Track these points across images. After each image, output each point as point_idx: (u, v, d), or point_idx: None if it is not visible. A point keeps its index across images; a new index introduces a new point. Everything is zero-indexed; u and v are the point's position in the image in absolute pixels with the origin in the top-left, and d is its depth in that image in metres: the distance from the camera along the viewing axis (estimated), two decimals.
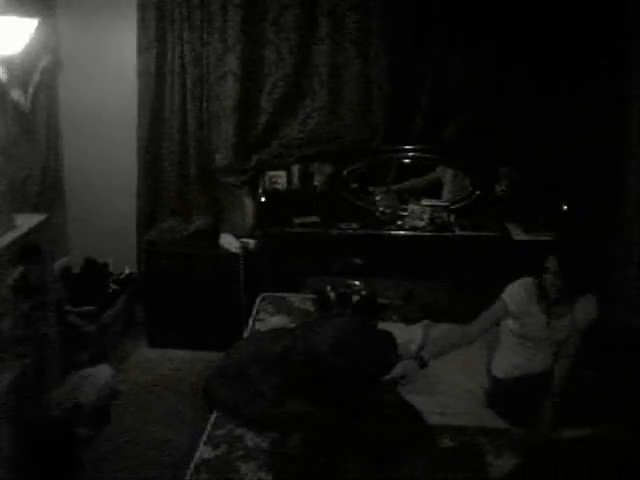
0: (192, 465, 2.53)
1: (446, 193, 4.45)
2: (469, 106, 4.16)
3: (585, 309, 2.86)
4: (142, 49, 4.21)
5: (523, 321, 2.91)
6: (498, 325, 3.05)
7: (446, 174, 4.45)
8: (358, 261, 4.12)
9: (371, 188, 4.44)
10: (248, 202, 4.52)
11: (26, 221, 3.25)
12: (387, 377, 2.93)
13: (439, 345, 3.07)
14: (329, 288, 3.83)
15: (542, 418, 2.75)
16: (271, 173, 4.37)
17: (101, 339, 4.06)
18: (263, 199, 4.36)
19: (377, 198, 4.34)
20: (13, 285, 3.10)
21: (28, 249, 3.21)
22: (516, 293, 2.93)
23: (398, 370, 2.94)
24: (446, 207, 4.30)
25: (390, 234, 4.22)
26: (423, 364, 2.96)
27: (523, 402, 2.81)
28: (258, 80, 4.22)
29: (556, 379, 2.83)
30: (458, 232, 4.18)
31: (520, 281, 2.97)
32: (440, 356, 3.04)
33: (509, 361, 2.97)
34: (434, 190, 4.45)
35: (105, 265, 4.45)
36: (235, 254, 4.22)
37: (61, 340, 3.65)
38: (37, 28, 3.30)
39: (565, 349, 2.88)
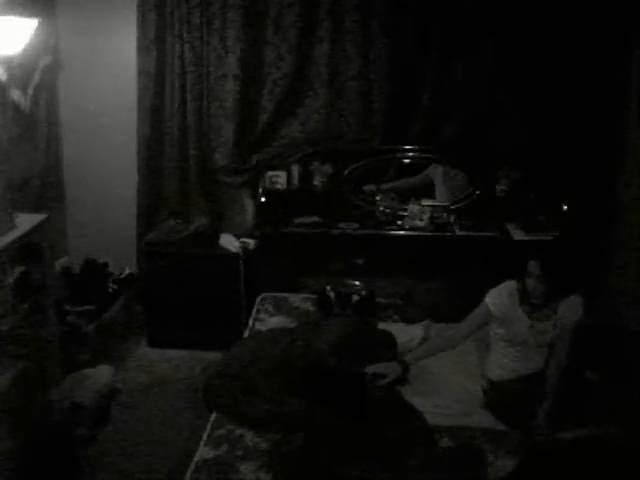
0: (192, 465, 2.53)
1: (438, 192, 4.44)
2: (469, 106, 4.16)
3: (570, 309, 2.85)
4: (142, 49, 4.21)
5: (507, 325, 2.91)
6: (482, 329, 3.05)
7: (437, 174, 4.44)
8: (358, 261, 4.12)
9: (366, 187, 4.44)
10: (248, 202, 4.52)
11: (26, 221, 3.25)
12: (368, 371, 2.92)
13: (422, 350, 3.08)
14: (329, 288, 3.83)
15: (536, 420, 2.74)
16: (271, 173, 4.36)
17: (101, 339, 4.06)
18: (263, 199, 4.36)
19: (377, 198, 4.34)
20: (13, 285, 3.10)
21: (28, 249, 3.21)
22: (498, 297, 2.92)
23: (379, 368, 2.93)
24: (446, 207, 4.29)
25: (390, 234, 4.22)
26: (405, 368, 2.96)
27: (517, 404, 2.81)
28: (258, 80, 4.22)
29: (548, 381, 2.83)
30: (458, 232, 4.18)
31: (502, 285, 2.96)
32: (422, 360, 3.04)
33: (500, 364, 2.97)
34: (425, 190, 4.43)
35: (105, 265, 4.45)
36: (235, 254, 4.22)
37: (61, 340, 3.65)
38: (37, 28, 3.30)
39: (555, 351, 2.88)
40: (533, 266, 2.79)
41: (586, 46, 3.90)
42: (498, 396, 2.91)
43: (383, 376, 2.92)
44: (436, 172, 4.44)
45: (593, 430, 2.42)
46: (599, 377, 2.88)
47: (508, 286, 2.94)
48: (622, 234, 3.97)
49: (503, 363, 2.96)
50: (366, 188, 4.43)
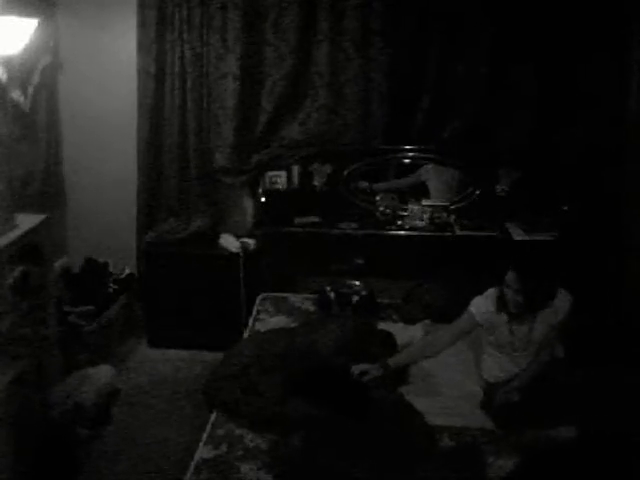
0: (192, 465, 2.53)
1: (433, 192, 4.43)
2: (469, 106, 4.16)
3: (554, 310, 2.90)
4: (142, 49, 4.21)
5: (493, 331, 2.94)
6: (467, 336, 3.08)
7: (430, 174, 4.43)
8: (358, 261, 4.12)
9: (360, 184, 4.43)
10: (248, 202, 4.52)
11: (26, 221, 3.25)
12: (353, 370, 2.92)
13: (403, 355, 3.08)
14: (329, 288, 3.83)
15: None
16: (271, 173, 4.37)
17: (101, 339, 4.06)
18: (263, 199, 4.36)
19: (377, 198, 4.34)
20: (13, 285, 3.10)
21: (28, 249, 3.21)
22: (483, 305, 2.95)
23: (360, 367, 2.92)
24: (446, 207, 4.29)
25: (390, 234, 4.22)
26: (387, 370, 2.95)
27: (512, 404, 2.82)
28: (258, 80, 4.22)
29: (520, 375, 2.86)
30: (458, 232, 4.18)
31: (486, 293, 2.99)
32: (405, 365, 3.05)
33: (494, 366, 3.00)
34: (416, 191, 4.42)
35: (105, 265, 4.45)
36: (235, 254, 4.22)
37: (61, 340, 3.65)
38: (37, 28, 3.29)
39: (543, 348, 2.93)
40: (511, 278, 2.82)
41: (585, 44, 3.90)
42: (491, 397, 2.92)
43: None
44: (429, 172, 4.43)
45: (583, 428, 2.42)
46: (595, 375, 2.88)
47: (492, 294, 2.96)
48: (622, 233, 3.96)
49: (495, 366, 2.99)
50: (360, 185, 4.43)
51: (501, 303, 2.90)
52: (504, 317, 2.90)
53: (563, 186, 4.13)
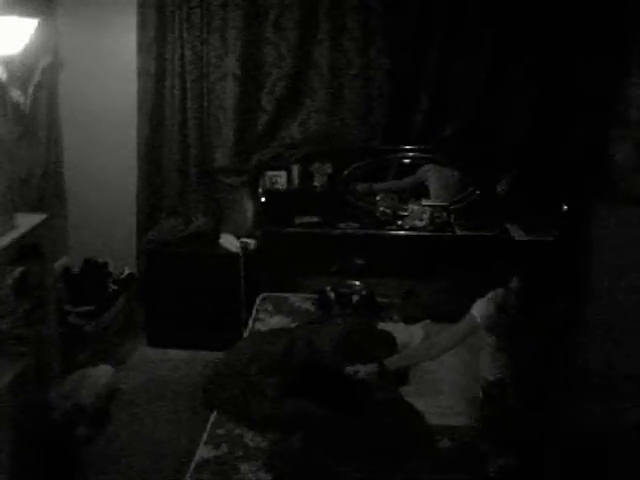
0: (192, 465, 2.53)
1: (433, 193, 4.42)
2: (470, 106, 4.16)
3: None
4: (142, 49, 4.21)
5: (495, 334, 2.93)
6: (467, 339, 3.07)
7: (430, 175, 4.43)
8: (358, 261, 4.13)
9: (359, 186, 4.43)
10: (248, 202, 4.52)
11: (26, 221, 3.25)
12: (348, 370, 2.92)
13: (402, 356, 3.08)
14: (329, 288, 3.83)
15: None
16: (271, 173, 4.37)
17: (101, 339, 4.06)
18: (263, 199, 4.36)
19: (377, 198, 4.34)
20: (13, 285, 3.10)
21: (28, 249, 3.21)
22: (485, 308, 2.94)
23: (356, 367, 2.93)
24: (446, 207, 4.29)
25: (390, 234, 4.22)
26: (383, 370, 2.95)
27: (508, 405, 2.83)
28: (258, 80, 4.23)
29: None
30: (458, 232, 4.18)
31: (488, 296, 2.98)
32: (403, 366, 3.04)
33: (495, 365, 2.98)
34: (416, 192, 4.42)
35: (105, 265, 4.45)
36: (235, 254, 4.22)
37: (61, 340, 3.65)
38: (37, 28, 3.30)
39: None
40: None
41: (585, 43, 3.90)
42: (491, 397, 2.92)
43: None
44: (429, 173, 4.43)
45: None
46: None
47: (493, 296, 2.96)
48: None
49: (495, 366, 2.98)
50: (359, 187, 4.43)
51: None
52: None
53: (563, 186, 4.13)
